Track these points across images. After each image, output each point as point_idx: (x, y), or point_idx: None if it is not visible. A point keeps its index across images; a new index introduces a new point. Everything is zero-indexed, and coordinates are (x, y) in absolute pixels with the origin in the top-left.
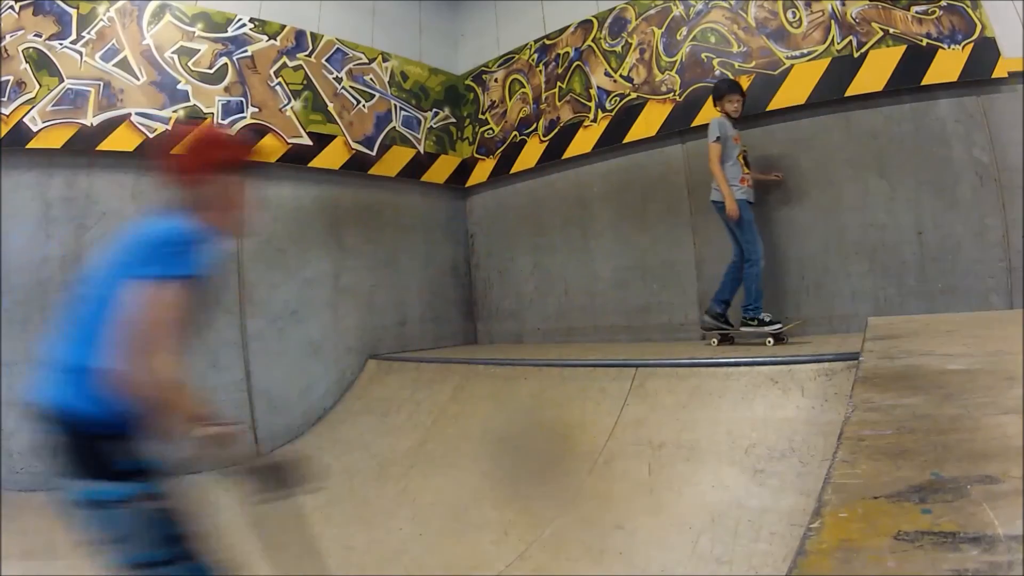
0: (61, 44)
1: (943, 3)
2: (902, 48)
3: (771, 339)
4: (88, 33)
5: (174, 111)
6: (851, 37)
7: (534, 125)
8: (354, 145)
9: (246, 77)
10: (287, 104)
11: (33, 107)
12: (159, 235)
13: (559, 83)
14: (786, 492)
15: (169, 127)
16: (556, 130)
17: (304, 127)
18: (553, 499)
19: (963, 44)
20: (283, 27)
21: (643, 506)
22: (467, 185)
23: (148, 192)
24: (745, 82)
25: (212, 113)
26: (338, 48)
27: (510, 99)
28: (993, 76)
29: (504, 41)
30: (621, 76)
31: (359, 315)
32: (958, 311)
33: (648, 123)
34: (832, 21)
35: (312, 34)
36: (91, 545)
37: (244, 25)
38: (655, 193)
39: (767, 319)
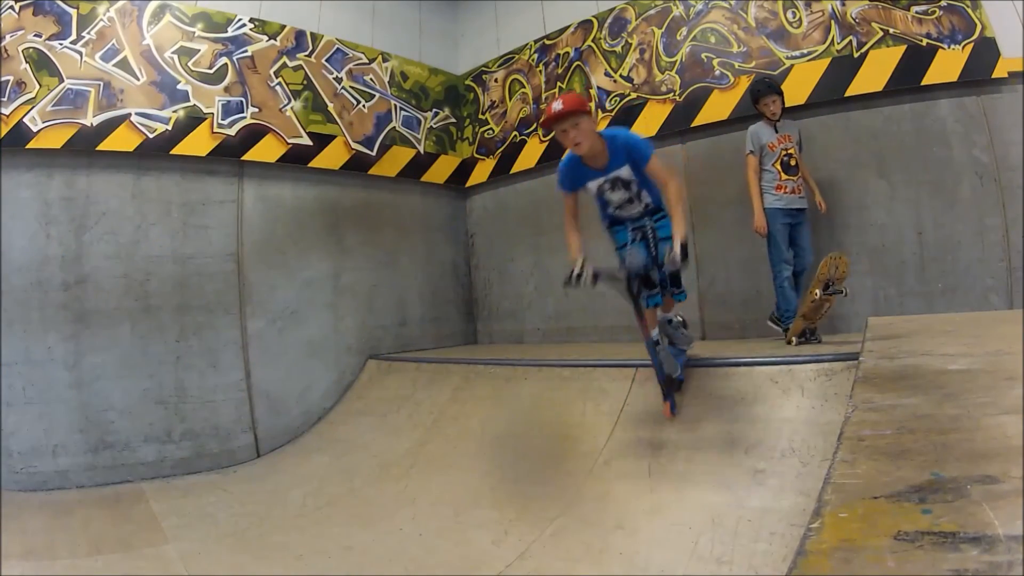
0: (61, 44)
1: (943, 3)
2: (902, 48)
3: (794, 338)
4: (88, 33)
5: (174, 111)
6: (851, 37)
7: (534, 125)
8: (354, 145)
9: (246, 77)
10: (287, 104)
11: (33, 107)
12: (634, 136)
13: (559, 83)
14: (786, 492)
15: (169, 127)
16: None
17: (304, 127)
18: (553, 499)
19: (963, 44)
20: (283, 27)
21: (643, 506)
22: (467, 185)
23: (148, 192)
24: (745, 82)
25: (212, 113)
26: (338, 48)
27: (510, 99)
28: (993, 76)
29: (504, 41)
30: (621, 76)
31: (359, 315)
32: (958, 311)
33: (648, 123)
34: (832, 21)
35: (312, 34)
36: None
37: (244, 25)
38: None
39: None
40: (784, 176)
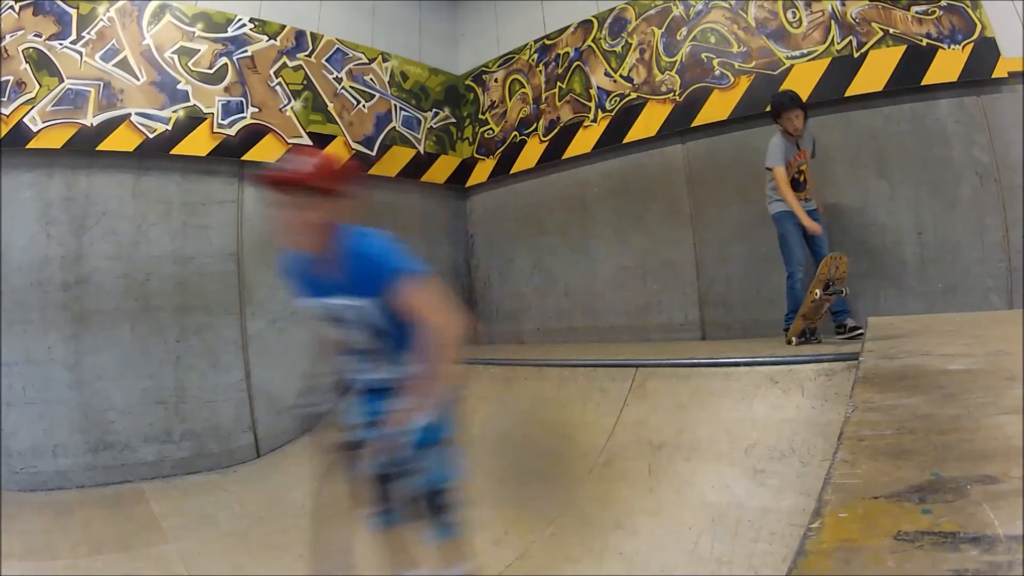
0: (61, 44)
1: (943, 3)
2: (902, 48)
3: (794, 338)
4: (88, 33)
5: (174, 111)
6: (851, 37)
7: (534, 125)
8: (354, 145)
9: (246, 77)
10: (287, 104)
11: (33, 107)
12: (389, 246)
13: (559, 83)
14: (786, 492)
15: (169, 127)
16: (556, 130)
17: (304, 127)
18: (553, 499)
19: (963, 44)
20: (283, 27)
21: (643, 506)
22: (467, 185)
23: (148, 192)
24: (745, 82)
25: (212, 113)
26: (338, 48)
27: (510, 99)
28: (993, 76)
29: (504, 41)
30: (621, 76)
31: None
32: (958, 311)
33: (648, 123)
34: (832, 21)
35: (312, 34)
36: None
37: (244, 25)
38: (655, 193)
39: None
40: (797, 193)
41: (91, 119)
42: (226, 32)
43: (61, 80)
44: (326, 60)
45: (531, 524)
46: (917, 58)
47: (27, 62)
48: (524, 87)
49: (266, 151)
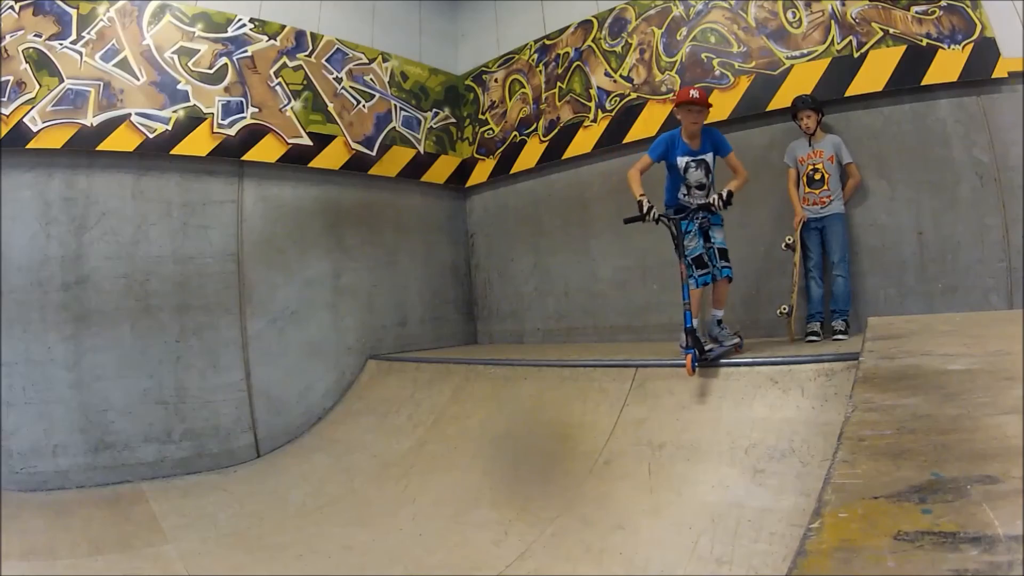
0: (61, 44)
1: (943, 3)
2: (902, 48)
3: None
4: (88, 33)
5: (174, 111)
6: (851, 37)
7: (534, 125)
8: (354, 145)
9: (246, 77)
10: (287, 104)
11: (33, 107)
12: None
13: (559, 83)
14: (786, 492)
15: (169, 127)
16: (556, 130)
17: (304, 127)
18: (553, 499)
19: (963, 44)
20: (283, 27)
21: (643, 506)
22: (467, 185)
23: (148, 192)
24: (745, 82)
25: (212, 113)
26: (338, 48)
27: (510, 99)
28: (993, 76)
29: (504, 41)
30: (621, 76)
31: (359, 315)
32: (958, 311)
33: (648, 123)
34: (832, 21)
35: (312, 34)
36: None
37: (244, 25)
38: (655, 193)
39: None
40: (807, 189)
41: (91, 119)
42: (226, 32)
43: (61, 80)
44: (326, 60)
45: (531, 524)
46: (917, 58)
47: (27, 62)
48: (524, 87)
49: (266, 151)
